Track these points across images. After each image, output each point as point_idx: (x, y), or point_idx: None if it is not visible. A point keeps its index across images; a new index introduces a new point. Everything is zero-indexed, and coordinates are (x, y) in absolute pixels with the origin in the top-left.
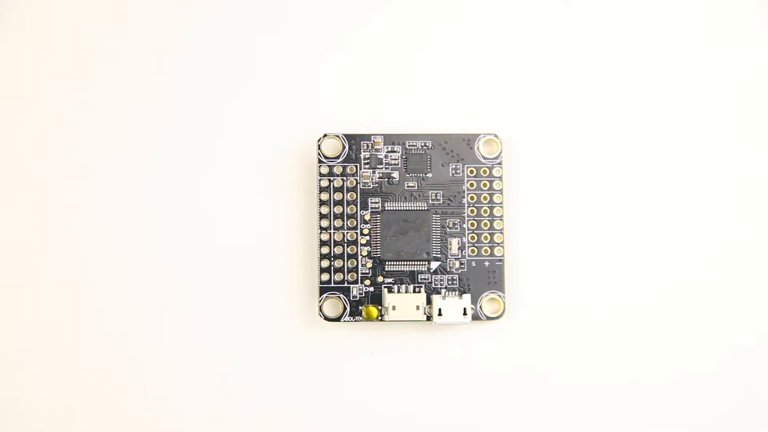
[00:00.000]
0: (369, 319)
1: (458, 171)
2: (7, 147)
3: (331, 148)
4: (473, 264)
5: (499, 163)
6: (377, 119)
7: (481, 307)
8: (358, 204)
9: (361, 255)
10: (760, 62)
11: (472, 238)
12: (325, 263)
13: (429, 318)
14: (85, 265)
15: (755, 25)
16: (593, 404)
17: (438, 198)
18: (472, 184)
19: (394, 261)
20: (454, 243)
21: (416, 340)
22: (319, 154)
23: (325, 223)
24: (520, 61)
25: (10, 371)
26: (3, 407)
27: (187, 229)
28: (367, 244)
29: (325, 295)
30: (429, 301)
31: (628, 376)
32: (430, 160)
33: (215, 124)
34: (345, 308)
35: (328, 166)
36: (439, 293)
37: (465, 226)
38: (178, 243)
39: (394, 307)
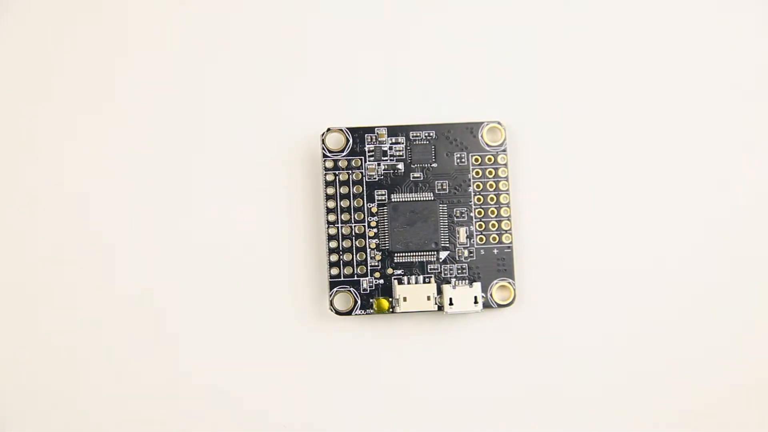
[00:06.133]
0: (380, 311)
1: (463, 160)
2: (5, 147)
3: (335, 141)
4: (482, 252)
5: (504, 151)
6: (380, 111)
7: (491, 294)
8: (365, 197)
9: (369, 248)
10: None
11: (480, 226)
12: (334, 257)
13: (440, 308)
14: (96, 259)
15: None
16: (606, 389)
17: (444, 188)
18: (477, 173)
19: (402, 252)
20: (462, 232)
21: (428, 330)
22: (323, 149)
23: (332, 217)
24: (521, 48)
25: (15, 373)
26: (4, 408)
27: (194, 226)
28: (375, 236)
29: (335, 289)
30: (439, 291)
31: (641, 360)
32: (434, 150)
33: (216, 121)
34: (356, 301)
35: (333, 160)
36: (449, 283)
37: (472, 214)
38: (187, 240)
39: (405, 299)
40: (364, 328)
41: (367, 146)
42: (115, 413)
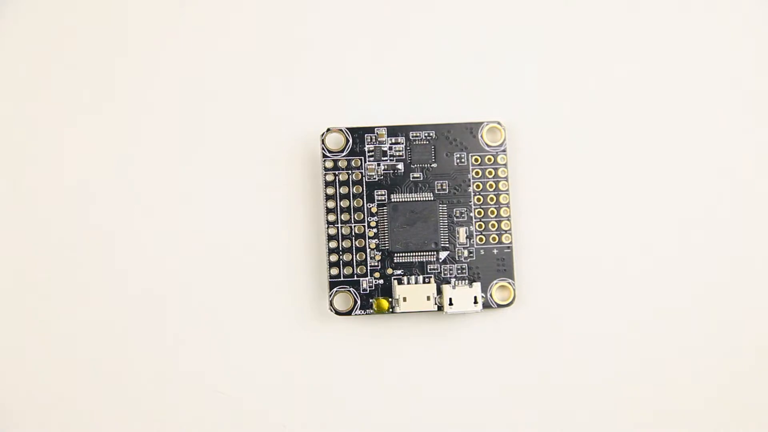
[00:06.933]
0: (380, 311)
1: (463, 160)
2: (5, 147)
3: (335, 142)
4: (482, 252)
5: (503, 151)
6: (380, 111)
7: (491, 295)
8: (365, 197)
9: (369, 248)
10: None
11: (480, 226)
12: (334, 257)
13: (440, 308)
14: (96, 259)
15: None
16: (607, 388)
17: (444, 188)
18: (477, 173)
19: (402, 252)
20: (462, 232)
21: (428, 330)
22: (323, 149)
23: (332, 217)
24: (521, 48)
25: (15, 373)
26: (4, 408)
27: (194, 226)
28: (375, 236)
29: (335, 289)
30: (439, 291)
31: (641, 360)
32: (434, 150)
33: (216, 121)
34: (356, 302)
35: (333, 160)
36: (449, 283)
37: (472, 214)
38: (187, 240)
39: (404, 299)
40: (364, 328)
41: (366, 146)
42: (115, 413)
